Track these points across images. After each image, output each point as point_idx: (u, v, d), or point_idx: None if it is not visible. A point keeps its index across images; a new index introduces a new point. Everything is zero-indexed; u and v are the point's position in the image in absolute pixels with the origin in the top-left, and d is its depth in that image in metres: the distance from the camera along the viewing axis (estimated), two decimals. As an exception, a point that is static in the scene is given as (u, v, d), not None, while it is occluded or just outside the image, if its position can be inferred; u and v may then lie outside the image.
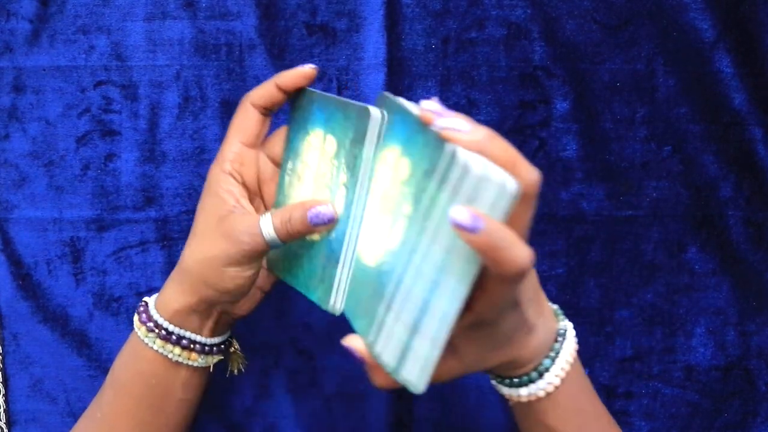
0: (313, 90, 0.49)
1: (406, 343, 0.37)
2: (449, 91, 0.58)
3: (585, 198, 0.59)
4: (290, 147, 0.49)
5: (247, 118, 0.49)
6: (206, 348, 0.50)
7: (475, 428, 0.60)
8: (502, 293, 0.37)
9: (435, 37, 0.58)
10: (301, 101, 0.49)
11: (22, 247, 0.58)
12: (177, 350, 0.49)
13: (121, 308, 0.59)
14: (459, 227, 0.33)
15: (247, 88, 0.57)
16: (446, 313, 0.35)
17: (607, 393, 0.60)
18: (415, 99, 0.58)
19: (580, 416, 0.46)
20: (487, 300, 0.38)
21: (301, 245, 0.48)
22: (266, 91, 0.48)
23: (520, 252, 0.34)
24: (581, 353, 0.60)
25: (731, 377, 0.60)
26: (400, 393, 0.60)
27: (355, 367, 0.60)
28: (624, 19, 0.58)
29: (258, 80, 0.58)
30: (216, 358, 0.51)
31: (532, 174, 0.36)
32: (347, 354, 0.41)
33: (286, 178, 0.49)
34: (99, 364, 0.59)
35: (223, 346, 0.52)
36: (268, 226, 0.45)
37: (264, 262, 0.51)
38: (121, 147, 0.58)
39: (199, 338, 0.50)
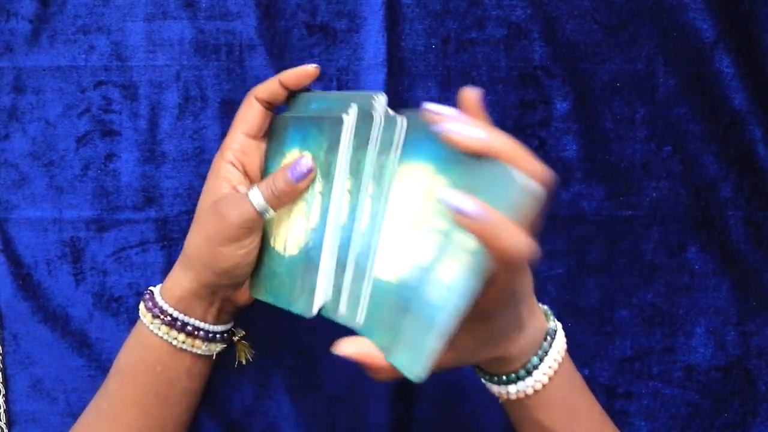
0: (287, 115, 0.51)
1: (419, 341, 0.39)
2: (449, 91, 0.58)
3: (585, 198, 0.59)
4: (267, 174, 0.51)
5: (250, 111, 0.51)
6: (210, 335, 0.51)
7: (475, 428, 0.60)
8: (504, 283, 0.39)
9: (435, 37, 0.58)
10: (276, 128, 0.51)
11: (22, 247, 0.59)
12: (181, 337, 0.50)
13: (121, 308, 0.59)
14: (458, 212, 0.37)
15: (247, 88, 0.57)
16: (456, 308, 0.38)
17: (607, 393, 0.60)
18: (415, 99, 0.58)
19: (571, 413, 0.47)
20: (491, 292, 0.39)
21: (280, 263, 0.48)
22: (270, 87, 0.51)
23: (519, 240, 0.37)
24: (581, 353, 0.60)
25: (731, 377, 0.60)
26: (400, 393, 0.60)
27: (355, 367, 0.61)
28: (624, 19, 0.58)
29: (258, 80, 0.57)
30: (219, 347, 0.52)
31: (545, 174, 0.38)
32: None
33: None
34: (99, 364, 0.59)
35: (226, 335, 0.53)
36: (256, 195, 0.47)
37: (248, 288, 0.52)
38: (121, 147, 0.58)
39: (202, 325, 0.51)
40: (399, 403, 0.60)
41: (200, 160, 0.58)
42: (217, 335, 0.52)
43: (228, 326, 0.53)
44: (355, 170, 0.45)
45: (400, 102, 0.58)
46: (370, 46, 0.57)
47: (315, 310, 0.45)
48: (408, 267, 0.41)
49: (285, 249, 0.48)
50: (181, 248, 0.59)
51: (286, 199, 0.47)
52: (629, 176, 0.59)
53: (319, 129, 0.47)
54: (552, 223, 0.59)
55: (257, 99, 0.51)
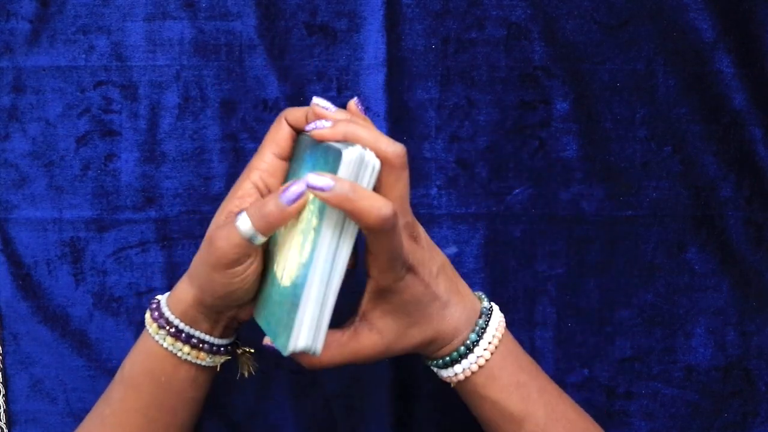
0: (307, 136, 0.48)
1: (289, 319, 0.42)
2: (449, 91, 0.58)
3: (585, 198, 0.59)
4: None
5: (281, 132, 0.49)
6: (214, 348, 0.50)
7: (475, 428, 0.60)
8: (380, 249, 0.43)
9: (435, 37, 0.58)
10: (297, 150, 0.50)
11: (22, 247, 0.58)
12: (186, 348, 0.49)
13: (121, 308, 0.59)
14: (313, 189, 0.41)
15: (247, 88, 0.58)
16: (310, 281, 0.42)
17: (607, 393, 0.60)
18: (415, 99, 0.58)
19: (522, 389, 0.49)
20: (374, 261, 0.44)
21: (277, 291, 0.46)
22: (300, 114, 0.49)
23: (377, 203, 0.41)
24: (581, 353, 0.60)
25: (731, 377, 0.60)
26: (400, 392, 0.60)
27: (355, 367, 0.61)
28: (624, 19, 0.58)
29: (258, 80, 0.58)
30: (223, 358, 0.52)
31: (392, 147, 0.43)
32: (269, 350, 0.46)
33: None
34: (99, 364, 0.59)
35: (230, 348, 0.52)
36: (244, 221, 0.44)
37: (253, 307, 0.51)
38: (121, 147, 0.58)
39: (208, 338, 0.50)
40: (399, 402, 0.60)
41: (200, 160, 0.58)
42: (222, 348, 0.51)
43: (232, 339, 0.52)
44: None
45: (400, 102, 0.58)
46: (370, 46, 0.57)
47: (287, 353, 0.43)
48: (296, 267, 0.43)
49: (282, 278, 0.46)
50: (182, 248, 0.59)
51: (276, 223, 0.44)
52: (629, 176, 0.59)
53: (325, 158, 0.44)
54: (552, 223, 0.59)
55: (288, 122, 0.49)
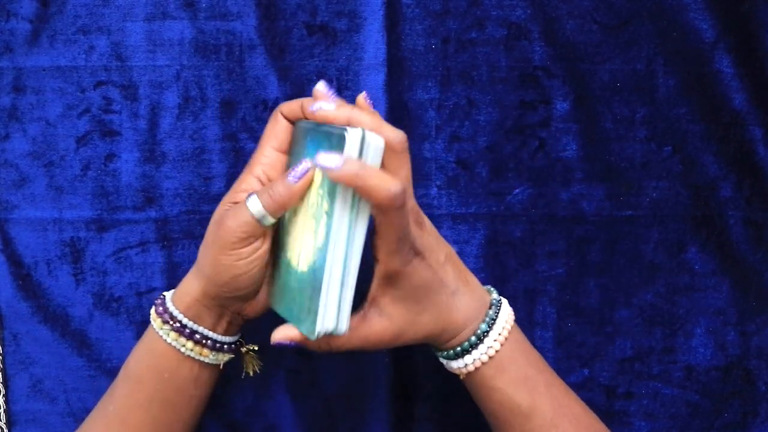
0: (307, 122, 0.49)
1: (313, 304, 0.44)
2: (449, 91, 0.58)
3: (585, 198, 0.59)
4: None
5: (277, 125, 0.51)
6: (217, 345, 0.51)
7: (475, 428, 0.60)
8: (389, 229, 0.44)
9: (435, 37, 0.58)
10: (297, 137, 0.50)
11: (22, 247, 0.59)
12: (189, 344, 0.50)
13: (121, 308, 0.59)
14: (325, 169, 0.42)
15: (247, 88, 0.58)
16: (329, 264, 0.43)
17: (607, 393, 0.60)
18: (415, 99, 0.58)
19: (530, 382, 0.49)
20: (382, 243, 0.45)
21: (295, 277, 0.47)
22: (296, 107, 0.50)
23: (386, 180, 0.42)
24: (581, 353, 0.60)
25: (731, 377, 0.60)
26: (400, 392, 0.60)
27: (355, 367, 0.61)
28: (624, 19, 0.58)
29: (258, 80, 0.58)
30: (226, 357, 0.52)
31: (394, 133, 0.44)
32: (282, 345, 0.47)
33: (285, 215, 0.49)
34: (99, 364, 0.59)
35: (233, 346, 0.52)
36: (254, 202, 0.46)
37: (267, 297, 0.51)
38: (121, 147, 0.58)
39: (211, 334, 0.50)
40: (399, 402, 0.60)
41: (200, 160, 0.58)
42: (225, 346, 0.51)
43: (236, 337, 0.53)
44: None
45: (400, 102, 0.58)
46: (370, 46, 0.57)
47: (314, 336, 0.45)
48: (312, 252, 0.45)
49: (298, 264, 0.47)
50: (182, 248, 0.59)
51: (284, 203, 0.46)
52: (629, 176, 0.59)
53: (329, 142, 0.45)
54: (552, 223, 0.59)
55: (283, 114, 0.50)
